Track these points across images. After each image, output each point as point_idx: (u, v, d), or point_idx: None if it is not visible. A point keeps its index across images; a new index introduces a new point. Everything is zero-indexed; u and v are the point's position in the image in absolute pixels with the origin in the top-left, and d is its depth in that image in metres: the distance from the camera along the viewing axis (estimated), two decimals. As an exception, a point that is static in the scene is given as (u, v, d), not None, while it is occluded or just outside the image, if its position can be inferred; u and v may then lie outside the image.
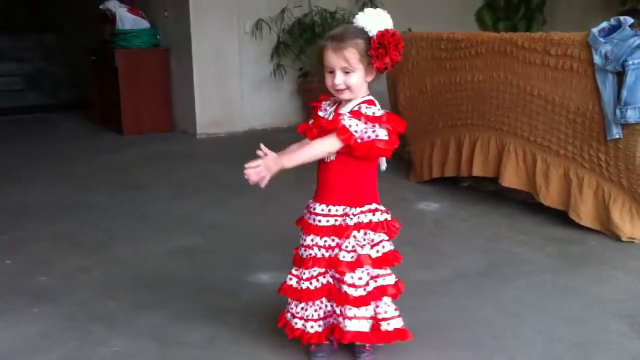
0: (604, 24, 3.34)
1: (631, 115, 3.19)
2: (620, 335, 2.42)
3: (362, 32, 2.17)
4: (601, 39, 3.27)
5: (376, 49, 2.14)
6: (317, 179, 2.27)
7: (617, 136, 3.27)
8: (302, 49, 6.64)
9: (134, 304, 2.78)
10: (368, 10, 2.22)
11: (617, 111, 3.22)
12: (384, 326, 2.23)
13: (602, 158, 3.36)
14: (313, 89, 6.34)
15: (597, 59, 3.29)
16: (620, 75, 3.21)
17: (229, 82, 6.65)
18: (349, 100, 2.22)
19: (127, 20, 6.77)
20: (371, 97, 2.23)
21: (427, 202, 4.14)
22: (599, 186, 3.40)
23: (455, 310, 2.65)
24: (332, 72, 2.18)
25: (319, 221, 2.22)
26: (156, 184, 4.79)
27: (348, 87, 2.18)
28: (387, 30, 2.16)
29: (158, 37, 6.93)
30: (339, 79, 2.17)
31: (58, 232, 3.75)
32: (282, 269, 3.05)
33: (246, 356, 2.35)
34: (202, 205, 4.21)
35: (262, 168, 2.13)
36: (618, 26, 3.29)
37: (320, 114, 2.29)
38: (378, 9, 2.23)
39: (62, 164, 5.52)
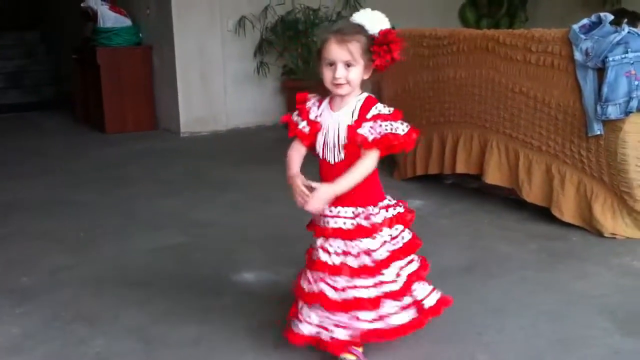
0: (585, 21, 3.36)
1: (612, 112, 3.21)
2: (602, 331, 2.44)
3: (363, 29, 2.17)
4: (582, 36, 3.29)
5: (380, 46, 2.14)
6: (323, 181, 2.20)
7: (598, 132, 3.29)
8: (286, 46, 6.64)
9: (118, 302, 2.77)
10: (367, 11, 2.21)
11: (598, 107, 3.24)
12: (427, 304, 2.26)
13: (584, 154, 3.38)
14: (296, 86, 6.34)
15: (577, 56, 3.31)
16: (601, 72, 3.23)
17: (212, 80, 6.64)
18: (342, 97, 2.19)
19: (109, 18, 6.74)
20: (370, 94, 2.22)
21: (410, 199, 4.13)
22: (581, 182, 3.42)
23: (438, 307, 2.66)
24: (333, 64, 2.14)
25: (327, 223, 2.19)
26: (141, 182, 4.78)
27: (348, 82, 2.16)
28: (390, 29, 2.17)
29: (140, 34, 6.90)
30: (340, 73, 2.14)
31: (41, 230, 3.73)
32: (268, 267, 3.07)
33: (231, 355, 2.35)
34: (188, 203, 4.20)
35: (319, 200, 2.13)
36: (598, 23, 3.31)
37: (312, 115, 2.23)
38: (376, 11, 2.21)
39: (44, 162, 5.49)
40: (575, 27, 3.34)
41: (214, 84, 6.65)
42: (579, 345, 2.34)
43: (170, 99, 6.63)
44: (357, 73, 2.16)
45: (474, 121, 3.94)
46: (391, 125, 2.14)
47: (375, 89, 4.82)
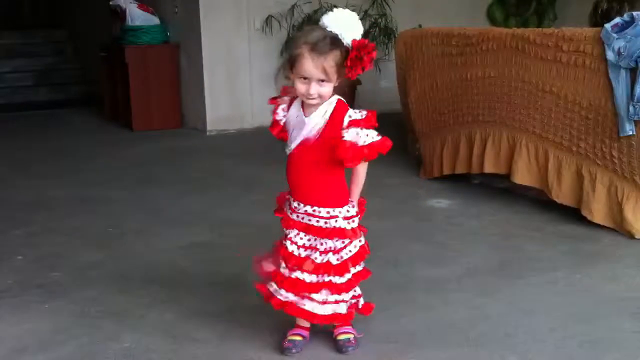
0: (617, 20, 3.32)
1: (644, 112, 3.17)
2: (634, 333, 2.40)
3: (338, 41, 2.13)
4: (614, 35, 3.25)
5: (353, 60, 2.11)
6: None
7: (630, 133, 3.25)
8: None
9: (145, 299, 2.78)
10: (339, 13, 2.16)
11: (630, 107, 3.20)
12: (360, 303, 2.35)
13: (615, 155, 3.34)
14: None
15: (609, 55, 3.27)
16: (634, 72, 3.18)
17: (238, 79, 6.65)
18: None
19: (137, 16, 6.77)
20: (340, 97, 2.23)
21: (437, 198, 4.13)
22: (612, 183, 3.38)
23: (467, 308, 2.64)
24: (307, 79, 2.15)
25: (309, 220, 2.25)
26: (168, 180, 4.80)
27: (320, 96, 2.17)
28: (362, 40, 2.13)
29: (168, 33, 6.93)
30: (314, 89, 2.15)
31: (69, 227, 3.76)
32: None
33: (257, 353, 2.34)
34: (214, 201, 4.21)
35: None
36: (631, 22, 3.26)
37: (279, 117, 2.29)
38: (347, 11, 2.18)
39: (73, 159, 5.53)
40: (608, 26, 3.30)
41: (240, 82, 6.66)
42: (610, 348, 2.31)
43: (197, 97, 6.65)
44: (330, 87, 2.17)
45: (503, 121, 3.90)
46: (367, 132, 2.17)
47: (402, 87, 4.81)
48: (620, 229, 3.35)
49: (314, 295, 2.24)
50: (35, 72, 9.21)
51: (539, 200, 3.81)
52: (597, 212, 3.43)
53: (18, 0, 10.30)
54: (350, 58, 2.11)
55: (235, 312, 2.63)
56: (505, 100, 3.88)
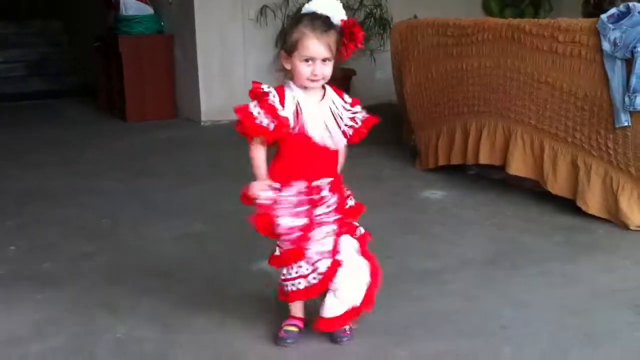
0: (613, 10, 3.31)
1: (640, 103, 3.16)
2: (629, 325, 2.40)
3: (331, 22, 2.17)
4: (610, 26, 3.24)
5: (349, 36, 2.17)
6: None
7: (626, 124, 3.24)
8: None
9: (138, 290, 2.76)
10: None
11: (626, 98, 3.19)
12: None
13: (611, 146, 3.33)
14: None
15: (605, 46, 3.26)
16: (629, 62, 3.17)
17: (233, 69, 6.63)
18: (309, 89, 2.20)
19: (131, 6, 6.74)
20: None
21: (432, 189, 4.12)
22: (607, 174, 3.37)
23: (462, 299, 2.63)
24: (310, 60, 2.15)
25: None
26: (162, 171, 4.78)
27: (323, 77, 2.18)
28: (350, 19, 2.20)
29: (162, 23, 6.90)
30: (319, 69, 2.16)
31: (63, 218, 3.74)
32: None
33: (252, 343, 2.34)
34: (208, 193, 4.19)
35: None
36: (627, 12, 3.25)
37: (280, 112, 2.20)
38: None
39: (67, 150, 5.51)
40: (604, 16, 3.29)
41: (235, 73, 6.63)
42: (605, 339, 2.31)
43: (191, 88, 6.62)
44: (331, 68, 2.19)
45: (499, 111, 3.89)
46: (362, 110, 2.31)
47: (397, 78, 4.78)
48: (615, 220, 3.35)
49: None
50: (30, 62, 9.18)
51: (534, 191, 3.81)
52: (592, 203, 3.42)
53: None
54: (347, 33, 2.17)
55: (230, 303, 2.62)
56: (501, 90, 3.87)
